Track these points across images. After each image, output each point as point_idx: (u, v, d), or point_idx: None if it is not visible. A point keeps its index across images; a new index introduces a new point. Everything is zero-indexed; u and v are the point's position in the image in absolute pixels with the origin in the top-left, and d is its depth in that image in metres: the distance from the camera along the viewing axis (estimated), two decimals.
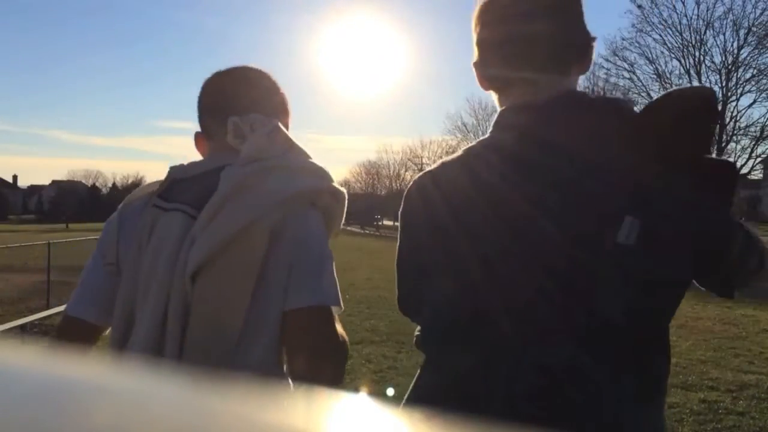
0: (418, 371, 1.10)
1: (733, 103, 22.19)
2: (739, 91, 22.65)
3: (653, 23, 23.42)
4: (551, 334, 0.97)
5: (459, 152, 1.10)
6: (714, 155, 1.07)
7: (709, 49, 23.17)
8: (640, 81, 23.98)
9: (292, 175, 1.09)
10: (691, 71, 23.23)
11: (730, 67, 22.73)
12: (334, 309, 1.06)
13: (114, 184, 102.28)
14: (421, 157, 55.14)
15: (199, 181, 1.09)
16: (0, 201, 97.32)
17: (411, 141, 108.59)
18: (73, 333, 1.14)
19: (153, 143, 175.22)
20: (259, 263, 1.02)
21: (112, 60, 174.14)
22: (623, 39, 23.62)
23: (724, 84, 22.78)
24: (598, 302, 0.96)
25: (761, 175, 33.21)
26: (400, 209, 1.15)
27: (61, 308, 8.90)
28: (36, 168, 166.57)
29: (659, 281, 0.97)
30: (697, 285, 1.05)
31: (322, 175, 1.13)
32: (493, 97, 1.13)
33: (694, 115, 1.01)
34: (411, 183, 1.15)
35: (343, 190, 1.16)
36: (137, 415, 0.24)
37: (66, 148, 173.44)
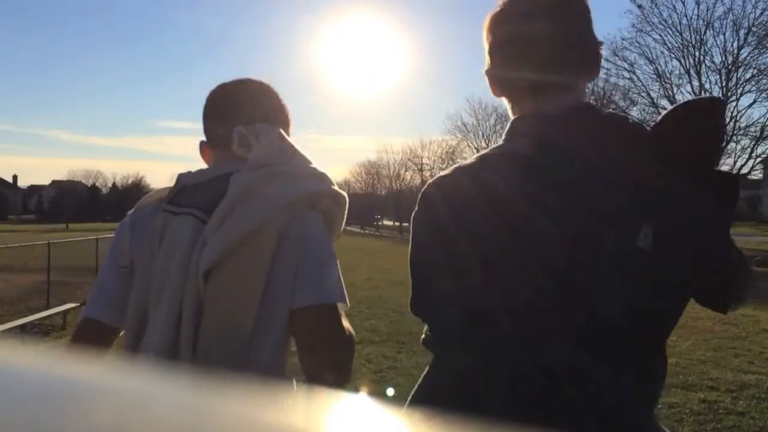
0: (425, 370, 1.10)
1: (733, 103, 22.18)
2: (739, 91, 22.62)
3: (653, 23, 23.39)
4: (551, 334, 0.97)
5: (473, 158, 1.09)
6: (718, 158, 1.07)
7: (709, 49, 23.16)
8: (640, 81, 23.94)
9: (295, 179, 1.14)
10: (691, 71, 23.21)
11: (730, 67, 22.71)
12: (340, 306, 1.11)
13: (114, 184, 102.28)
14: (421, 157, 55.23)
15: (207, 187, 1.14)
16: (0, 201, 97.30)
17: (411, 141, 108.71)
18: (90, 335, 1.18)
19: (153, 143, 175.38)
20: (267, 264, 1.07)
21: (112, 60, 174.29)
22: (623, 39, 23.62)
23: (724, 84, 22.76)
24: (598, 302, 0.96)
25: (761, 175, 33.18)
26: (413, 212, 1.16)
27: (61, 308, 8.91)
28: (36, 168, 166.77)
29: (670, 283, 0.97)
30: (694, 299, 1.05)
31: (322, 178, 1.18)
32: (506, 104, 1.13)
33: (695, 116, 1.02)
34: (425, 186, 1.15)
35: (344, 193, 1.20)
36: (137, 415, 0.24)
37: (66, 148, 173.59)
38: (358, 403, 0.31)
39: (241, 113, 1.21)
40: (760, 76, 22.51)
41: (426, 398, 1.04)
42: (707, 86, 23.00)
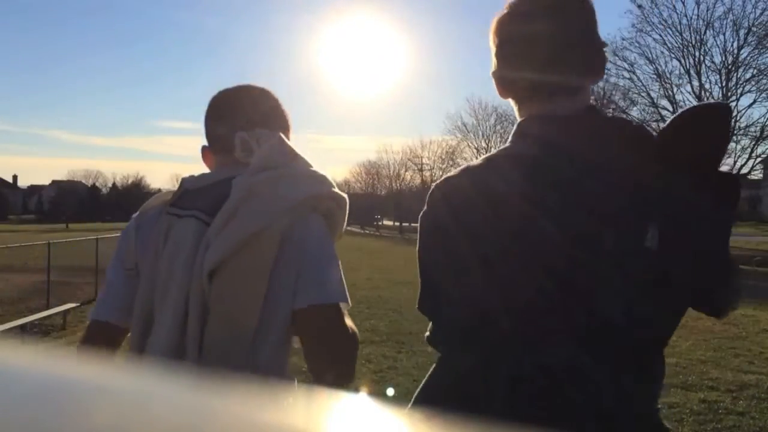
0: (431, 369, 1.10)
1: (733, 103, 22.15)
2: (739, 91, 22.60)
3: (653, 23, 23.36)
4: (551, 334, 0.97)
5: (480, 159, 1.09)
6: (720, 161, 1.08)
7: (709, 49, 23.13)
8: (640, 81, 23.87)
9: (297, 182, 1.17)
10: (691, 71, 23.18)
11: (730, 67, 22.69)
12: (342, 305, 1.13)
13: (114, 184, 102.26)
14: (421, 157, 55.21)
15: (210, 190, 1.17)
16: (0, 201, 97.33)
17: (411, 141, 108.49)
18: (99, 336, 1.21)
19: (153, 143, 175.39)
20: (269, 265, 1.09)
21: (112, 60, 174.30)
22: (623, 39, 23.52)
23: (724, 84, 22.74)
24: (598, 302, 0.96)
25: (761, 175, 33.17)
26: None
27: (61, 308, 8.91)
28: (36, 168, 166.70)
29: (671, 283, 0.98)
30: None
31: (323, 181, 1.21)
32: (513, 106, 1.13)
33: (703, 120, 1.04)
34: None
35: (345, 195, 1.23)
36: (137, 415, 0.24)
37: (66, 148, 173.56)
38: (358, 403, 0.31)
39: (241, 114, 1.24)
40: (760, 76, 22.50)
41: (429, 398, 1.04)
42: (707, 86, 23.02)
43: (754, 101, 22.77)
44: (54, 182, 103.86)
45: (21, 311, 9.65)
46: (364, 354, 5.76)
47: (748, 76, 22.74)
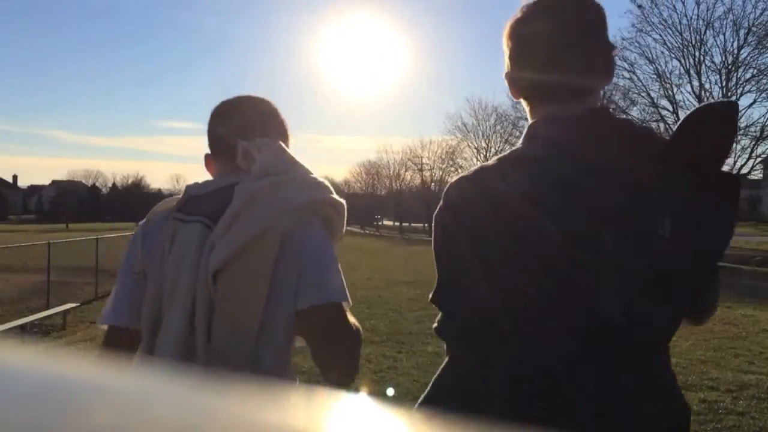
0: (442, 365, 1.10)
1: None
2: (739, 91, 22.57)
3: (653, 23, 23.34)
4: (551, 334, 0.97)
5: (493, 160, 1.10)
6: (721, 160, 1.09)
7: (709, 49, 23.11)
8: (640, 81, 23.87)
9: (298, 187, 1.23)
10: (691, 71, 23.17)
11: (730, 67, 22.68)
12: (344, 304, 1.18)
13: (114, 184, 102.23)
14: (421, 157, 55.05)
15: (213, 197, 1.23)
16: (0, 201, 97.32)
17: (411, 141, 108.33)
18: (118, 341, 1.27)
19: (153, 143, 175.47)
20: (271, 267, 1.14)
21: (111, 60, 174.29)
22: (623, 39, 23.48)
23: (724, 84, 22.73)
24: (598, 302, 0.96)
25: (761, 175, 33.17)
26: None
27: (61, 308, 8.91)
28: (36, 168, 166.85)
29: (671, 282, 0.98)
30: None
31: (322, 187, 1.27)
32: (525, 108, 1.14)
33: (713, 120, 1.05)
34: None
35: (343, 201, 1.29)
36: (137, 415, 0.24)
37: (66, 148, 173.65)
38: (358, 403, 0.31)
39: (240, 114, 1.31)
40: (760, 76, 22.50)
41: (433, 397, 1.05)
42: (707, 86, 23.02)
43: (754, 101, 22.77)
44: (54, 182, 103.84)
45: (21, 311, 9.65)
46: (364, 354, 5.74)
47: (748, 76, 22.76)
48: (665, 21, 23.13)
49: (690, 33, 22.87)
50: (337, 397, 0.32)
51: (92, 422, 0.23)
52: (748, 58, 22.61)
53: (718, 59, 23.04)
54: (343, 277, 1.19)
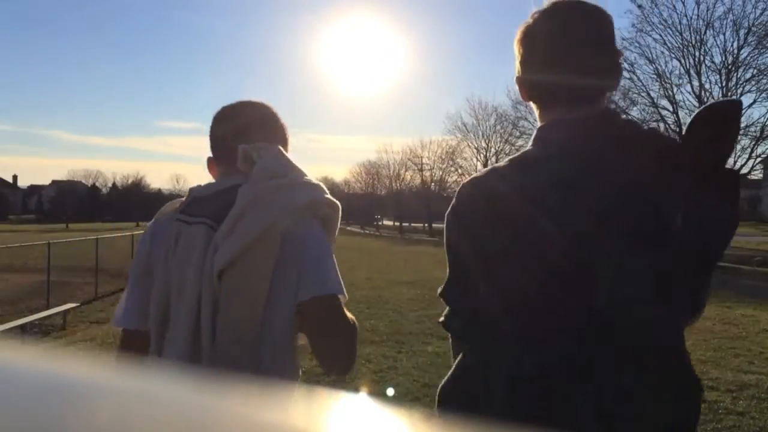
0: (457, 360, 1.11)
1: None
2: (739, 91, 22.53)
3: (653, 23, 23.30)
4: (551, 333, 0.97)
5: (505, 160, 1.11)
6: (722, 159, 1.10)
7: (709, 49, 23.08)
8: (640, 81, 23.83)
9: (297, 189, 1.29)
10: (691, 71, 23.14)
11: (730, 67, 22.65)
12: (341, 297, 1.24)
13: (114, 184, 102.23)
14: (421, 157, 55.02)
15: (216, 198, 1.28)
16: (0, 201, 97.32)
17: (411, 141, 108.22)
18: (135, 343, 1.31)
19: (153, 143, 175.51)
20: (272, 265, 1.19)
21: (112, 60, 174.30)
22: (623, 39, 23.40)
23: (724, 84, 22.70)
24: (598, 302, 0.96)
25: (761, 175, 33.16)
26: None
27: (61, 308, 8.91)
28: (36, 168, 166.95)
29: (672, 282, 0.99)
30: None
31: (320, 189, 1.33)
32: (534, 111, 1.17)
33: (701, 119, 1.06)
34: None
35: (337, 201, 1.35)
36: (138, 415, 0.24)
37: (66, 148, 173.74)
38: (358, 403, 0.31)
39: (241, 118, 1.37)
40: (760, 76, 22.47)
41: (443, 397, 1.05)
42: (707, 86, 22.99)
43: (754, 101, 22.74)
44: (54, 182, 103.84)
45: (21, 311, 9.65)
46: (364, 354, 5.75)
47: (748, 76, 22.72)
48: (665, 21, 23.12)
49: (690, 33, 22.86)
50: (337, 397, 0.32)
51: (92, 422, 0.23)
52: (748, 58, 22.60)
53: (718, 59, 23.04)
54: (338, 272, 1.26)
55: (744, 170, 22.40)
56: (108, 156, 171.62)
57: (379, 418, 0.29)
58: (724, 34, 22.69)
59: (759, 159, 23.43)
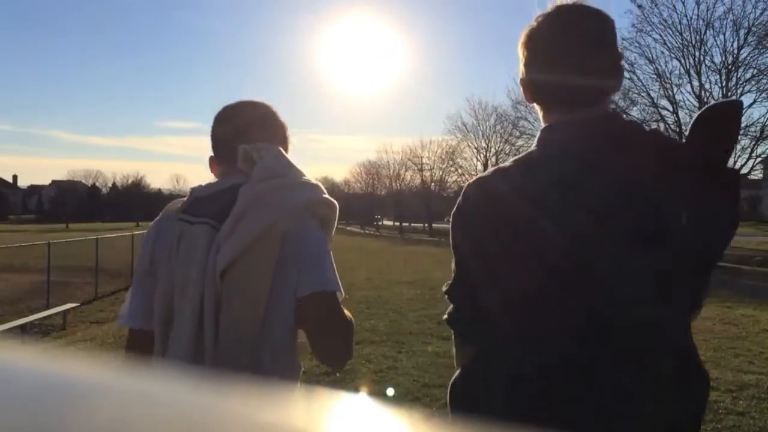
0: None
1: None
2: (739, 91, 22.51)
3: (653, 23, 23.28)
4: (551, 333, 0.97)
5: (510, 161, 1.12)
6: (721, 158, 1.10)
7: (709, 49, 23.06)
8: (640, 81, 23.81)
9: (297, 189, 1.31)
10: (691, 71, 23.12)
11: (730, 67, 22.64)
12: (338, 294, 1.27)
13: (114, 184, 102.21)
14: (421, 157, 54.96)
15: (216, 198, 1.30)
16: (0, 201, 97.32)
17: (411, 141, 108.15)
18: (141, 343, 1.33)
19: (153, 143, 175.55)
20: (273, 264, 1.21)
21: (112, 60, 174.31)
22: (623, 39, 23.38)
23: (724, 84, 22.69)
24: (598, 302, 0.96)
25: (761, 175, 33.15)
26: None
27: (61, 308, 8.91)
28: (36, 168, 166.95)
29: (672, 281, 0.99)
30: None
31: (318, 189, 1.35)
32: (538, 113, 1.17)
33: (702, 119, 1.07)
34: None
35: (335, 202, 1.37)
36: (138, 415, 0.24)
37: (66, 148, 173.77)
38: (358, 403, 0.31)
39: (241, 118, 1.39)
40: (760, 76, 22.46)
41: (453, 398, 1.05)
42: (707, 86, 22.98)
43: (754, 101, 22.72)
44: (54, 182, 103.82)
45: (21, 311, 9.65)
46: (364, 354, 5.75)
47: (748, 76, 22.71)
48: (665, 21, 23.10)
49: (690, 33, 22.85)
50: (337, 397, 0.32)
51: (92, 422, 0.23)
52: (748, 58, 22.59)
53: (718, 59, 23.02)
54: (335, 270, 1.29)
55: (744, 170, 22.39)
56: (108, 156, 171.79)
57: (379, 418, 0.29)
58: (724, 34, 22.69)
59: (759, 159, 23.41)
